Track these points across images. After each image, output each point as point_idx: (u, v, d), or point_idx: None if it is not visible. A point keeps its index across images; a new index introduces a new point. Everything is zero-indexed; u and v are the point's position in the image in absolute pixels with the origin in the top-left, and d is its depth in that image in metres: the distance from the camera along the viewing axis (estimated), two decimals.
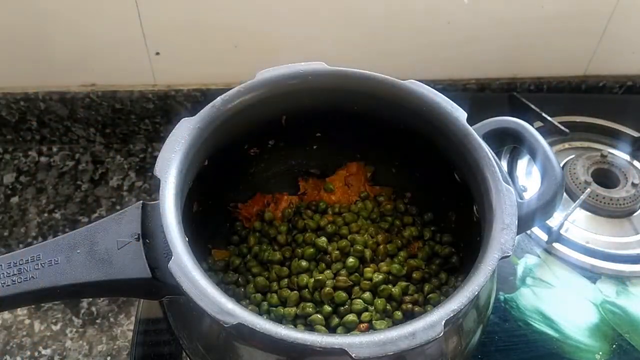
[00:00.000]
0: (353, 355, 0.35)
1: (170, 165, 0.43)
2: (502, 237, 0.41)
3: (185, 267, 0.38)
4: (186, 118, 0.46)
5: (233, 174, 0.56)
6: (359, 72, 0.50)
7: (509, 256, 0.41)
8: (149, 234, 0.42)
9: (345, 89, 0.51)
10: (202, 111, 0.47)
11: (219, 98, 0.48)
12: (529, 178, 0.72)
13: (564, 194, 0.63)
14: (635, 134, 0.77)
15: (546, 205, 0.46)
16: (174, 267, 0.38)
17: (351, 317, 0.49)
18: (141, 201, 0.43)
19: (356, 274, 0.52)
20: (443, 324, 0.37)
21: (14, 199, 0.79)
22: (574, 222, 0.68)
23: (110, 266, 0.41)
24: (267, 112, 0.51)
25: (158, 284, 0.41)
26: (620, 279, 0.64)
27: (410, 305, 0.50)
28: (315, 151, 0.59)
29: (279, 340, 0.36)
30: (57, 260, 0.41)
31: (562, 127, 0.75)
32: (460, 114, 0.48)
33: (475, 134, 0.47)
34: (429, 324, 0.37)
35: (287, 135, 0.56)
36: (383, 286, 0.51)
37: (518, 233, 0.43)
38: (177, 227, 0.40)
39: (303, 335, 0.36)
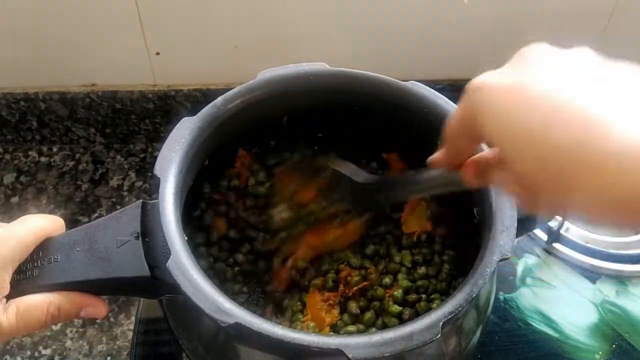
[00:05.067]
0: (350, 356, 0.35)
1: (171, 164, 0.43)
2: (501, 239, 0.41)
3: (184, 266, 0.38)
4: (187, 117, 0.46)
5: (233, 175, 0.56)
6: (361, 72, 0.50)
7: (507, 258, 0.41)
8: (149, 233, 0.42)
9: (346, 89, 0.51)
10: (202, 110, 0.47)
11: (220, 97, 0.48)
12: None
13: None
14: None
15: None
16: (173, 265, 0.38)
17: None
18: (141, 200, 0.43)
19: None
20: (440, 325, 0.37)
21: (14, 199, 0.79)
22: (574, 222, 0.68)
23: (109, 264, 0.41)
24: (268, 112, 0.51)
25: (157, 283, 0.41)
26: (620, 279, 0.64)
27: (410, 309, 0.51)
28: (317, 152, 0.59)
29: (276, 340, 0.36)
30: (56, 258, 0.41)
31: None
32: None
33: None
34: (427, 325, 0.37)
35: (288, 136, 0.56)
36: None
37: (520, 235, 0.43)
38: (176, 226, 0.40)
39: (300, 335, 0.36)
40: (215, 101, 0.47)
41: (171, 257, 0.38)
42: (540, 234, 0.66)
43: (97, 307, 0.42)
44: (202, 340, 0.44)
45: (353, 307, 0.50)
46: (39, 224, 0.42)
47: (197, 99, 0.80)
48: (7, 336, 0.39)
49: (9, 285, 0.39)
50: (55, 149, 0.85)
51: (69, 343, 0.66)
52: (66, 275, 0.40)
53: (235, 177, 0.56)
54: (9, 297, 0.39)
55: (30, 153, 0.84)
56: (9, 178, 0.81)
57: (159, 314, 0.58)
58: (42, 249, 0.42)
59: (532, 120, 0.28)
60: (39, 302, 0.39)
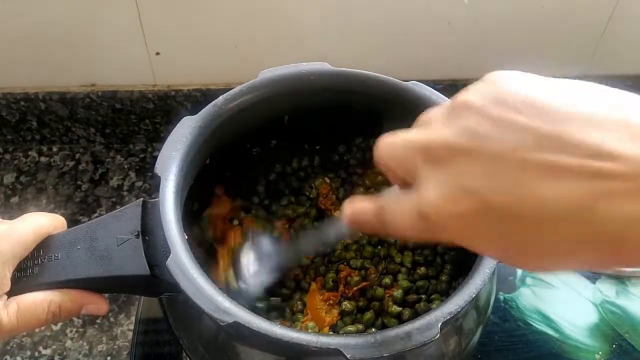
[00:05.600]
0: (348, 356, 0.35)
1: (171, 163, 0.43)
2: None
3: (184, 265, 0.38)
4: (188, 117, 0.46)
5: (235, 174, 0.56)
6: (362, 72, 0.50)
7: None
8: (149, 232, 0.42)
9: (347, 89, 0.50)
10: (204, 110, 0.47)
11: (221, 97, 0.48)
12: None
13: None
14: None
15: None
16: (172, 264, 0.38)
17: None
18: (141, 199, 0.43)
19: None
20: (439, 326, 0.37)
21: (14, 199, 0.79)
22: None
23: (109, 262, 0.41)
24: (270, 111, 0.51)
25: (157, 281, 0.41)
26: (620, 279, 0.64)
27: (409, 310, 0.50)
28: (318, 151, 0.59)
29: (275, 340, 0.36)
30: (57, 256, 0.41)
31: None
32: None
33: None
34: (426, 325, 0.37)
35: (289, 135, 0.56)
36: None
37: None
38: (176, 225, 0.40)
39: (299, 335, 0.36)
40: (216, 100, 0.47)
41: (171, 255, 0.38)
42: None
43: (97, 304, 0.42)
44: (202, 340, 0.43)
45: (348, 306, 0.50)
46: (40, 222, 0.42)
47: (197, 99, 0.80)
48: (8, 334, 0.39)
49: (9, 282, 0.39)
50: (55, 149, 0.85)
51: (69, 343, 0.66)
52: (67, 273, 0.41)
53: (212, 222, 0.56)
54: (9, 295, 0.39)
55: (30, 153, 0.84)
56: (9, 178, 0.81)
57: (159, 314, 0.58)
58: (43, 247, 0.42)
59: None
60: (39, 300, 0.39)
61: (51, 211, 0.77)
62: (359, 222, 0.33)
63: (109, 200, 0.79)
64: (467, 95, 0.27)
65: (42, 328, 0.67)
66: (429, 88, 0.49)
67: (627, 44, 0.82)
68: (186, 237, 0.41)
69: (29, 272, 0.41)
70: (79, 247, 0.41)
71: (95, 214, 0.78)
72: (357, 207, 0.33)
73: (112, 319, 0.68)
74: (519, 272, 0.64)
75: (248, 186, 0.58)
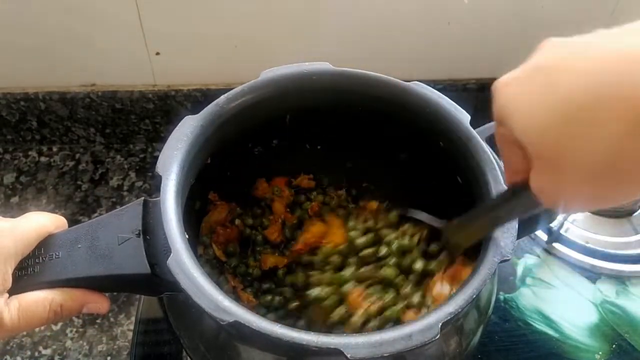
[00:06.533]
0: (349, 356, 0.35)
1: (172, 162, 0.43)
2: (501, 240, 0.41)
3: (184, 264, 0.38)
4: (189, 116, 0.46)
5: (236, 173, 0.56)
6: (363, 72, 0.50)
7: (508, 259, 0.41)
8: (150, 231, 0.42)
9: (349, 89, 0.50)
10: (205, 109, 0.47)
11: (222, 96, 0.48)
12: None
13: None
14: None
15: (548, 209, 0.46)
16: (173, 263, 0.38)
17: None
18: (142, 198, 0.43)
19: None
20: (440, 326, 0.37)
21: (14, 199, 0.79)
22: (574, 222, 0.68)
23: (110, 261, 0.41)
24: (271, 111, 0.51)
25: (157, 280, 0.41)
26: (620, 279, 0.64)
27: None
28: (319, 151, 0.59)
29: (275, 339, 0.36)
30: (58, 254, 0.41)
31: None
32: (463, 117, 0.48)
33: (478, 137, 0.47)
34: (426, 325, 0.37)
35: (291, 135, 0.56)
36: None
37: (521, 236, 0.43)
38: (177, 224, 0.40)
39: (299, 334, 0.36)
40: (218, 100, 0.47)
41: (172, 255, 0.38)
42: (540, 234, 0.67)
43: (99, 303, 0.42)
44: (203, 339, 0.43)
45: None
46: (41, 221, 0.42)
47: (197, 99, 0.80)
48: (9, 332, 0.39)
49: (11, 278, 0.39)
50: (55, 149, 0.85)
51: (69, 343, 0.66)
52: (68, 272, 0.41)
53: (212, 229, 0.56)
54: (11, 293, 0.39)
55: (30, 153, 0.84)
56: (9, 178, 0.81)
57: (159, 314, 0.58)
58: (44, 246, 0.42)
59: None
60: (41, 299, 0.39)
61: (51, 211, 0.77)
62: None
63: (109, 200, 0.79)
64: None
65: (42, 328, 0.67)
66: (430, 88, 0.49)
67: None
68: (187, 236, 0.41)
69: (30, 270, 0.41)
70: (80, 246, 0.41)
71: (95, 214, 0.78)
72: None
73: (112, 319, 0.68)
74: (519, 272, 0.64)
75: (248, 186, 0.58)
